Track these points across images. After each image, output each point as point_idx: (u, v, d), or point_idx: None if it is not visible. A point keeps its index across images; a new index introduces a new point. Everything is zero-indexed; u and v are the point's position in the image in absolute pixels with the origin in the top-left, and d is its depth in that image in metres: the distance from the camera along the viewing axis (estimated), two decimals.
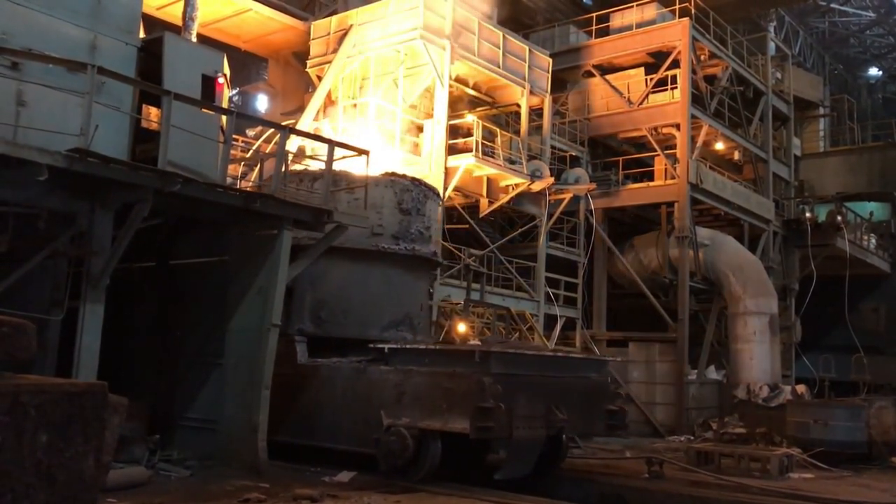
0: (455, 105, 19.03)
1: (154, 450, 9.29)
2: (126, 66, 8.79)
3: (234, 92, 24.96)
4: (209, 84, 9.34)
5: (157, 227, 9.43)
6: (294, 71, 19.88)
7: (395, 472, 9.00)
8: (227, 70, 9.82)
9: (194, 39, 11.83)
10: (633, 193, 21.28)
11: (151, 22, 15.64)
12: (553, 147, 19.56)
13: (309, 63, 18.19)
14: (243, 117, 10.46)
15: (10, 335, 2.02)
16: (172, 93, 8.12)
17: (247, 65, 21.27)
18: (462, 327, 14.96)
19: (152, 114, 9.91)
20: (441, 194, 15.79)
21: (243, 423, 9.21)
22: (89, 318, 8.16)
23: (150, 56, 9.18)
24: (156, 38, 9.41)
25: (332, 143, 9.52)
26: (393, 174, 10.23)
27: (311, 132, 10.16)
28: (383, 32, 16.77)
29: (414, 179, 11.21)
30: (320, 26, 18.28)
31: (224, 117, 9.37)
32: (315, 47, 18.18)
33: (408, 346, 9.62)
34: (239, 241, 9.80)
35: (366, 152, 9.86)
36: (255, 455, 9.00)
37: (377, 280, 10.44)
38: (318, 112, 16.77)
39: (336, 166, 9.87)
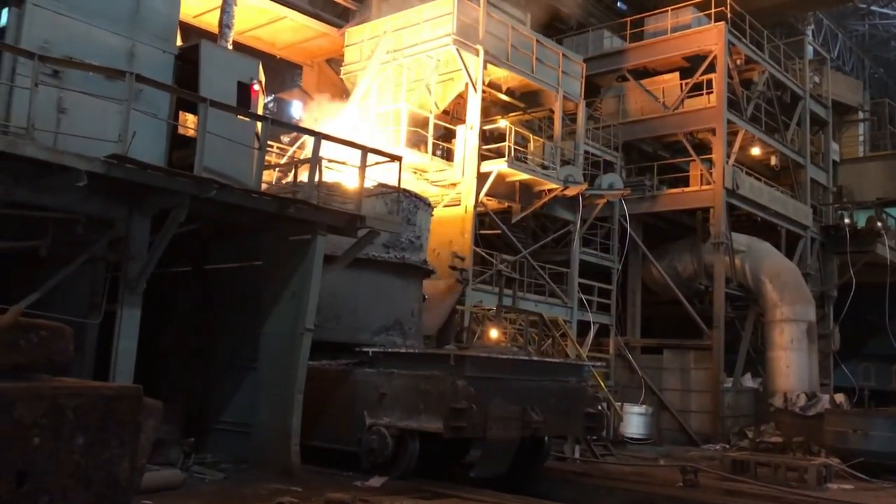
0: (488, 110, 19.03)
1: (189, 453, 9.36)
2: (163, 74, 8.90)
3: (270, 98, 25.19)
4: (244, 91, 9.43)
5: (193, 232, 9.53)
6: (328, 77, 20.02)
7: (375, 469, 9.44)
8: (262, 77, 9.91)
9: (230, 47, 11.94)
10: (668, 199, 21.11)
11: (188, 30, 15.86)
12: (587, 152, 19.45)
13: (343, 69, 18.31)
14: (278, 124, 10.54)
15: (48, 339, 2.05)
16: (208, 100, 8.21)
17: (281, 71, 21.44)
18: (494, 333, 14.95)
19: (189, 120, 10.04)
20: (465, 203, 15.81)
21: (276, 427, 9.25)
22: (126, 322, 8.26)
23: (187, 63, 9.29)
24: (192, 46, 9.53)
25: (364, 150, 9.56)
26: (384, 185, 10.37)
27: (344, 138, 10.20)
28: (417, 39, 16.83)
29: (404, 191, 11.36)
30: (354, 33, 18.39)
31: (259, 123, 9.45)
32: (349, 54, 18.30)
33: (389, 350, 10.12)
34: (273, 246, 9.87)
35: (398, 158, 9.90)
36: (288, 459, 9.04)
37: (368, 287, 10.74)
38: (351, 118, 16.88)
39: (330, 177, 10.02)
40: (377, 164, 9.93)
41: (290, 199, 9.04)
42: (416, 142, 16.76)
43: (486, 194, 16.47)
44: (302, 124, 16.09)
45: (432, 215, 13.49)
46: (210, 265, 10.89)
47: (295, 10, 18.16)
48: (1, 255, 8.75)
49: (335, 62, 19.16)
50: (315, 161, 9.13)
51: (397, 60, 17.13)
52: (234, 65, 9.69)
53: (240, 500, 7.73)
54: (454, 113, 17.76)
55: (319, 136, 9.18)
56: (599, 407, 10.94)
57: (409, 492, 8.77)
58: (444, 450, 9.68)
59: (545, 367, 10.64)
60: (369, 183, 10.10)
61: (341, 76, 18.35)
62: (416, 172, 16.60)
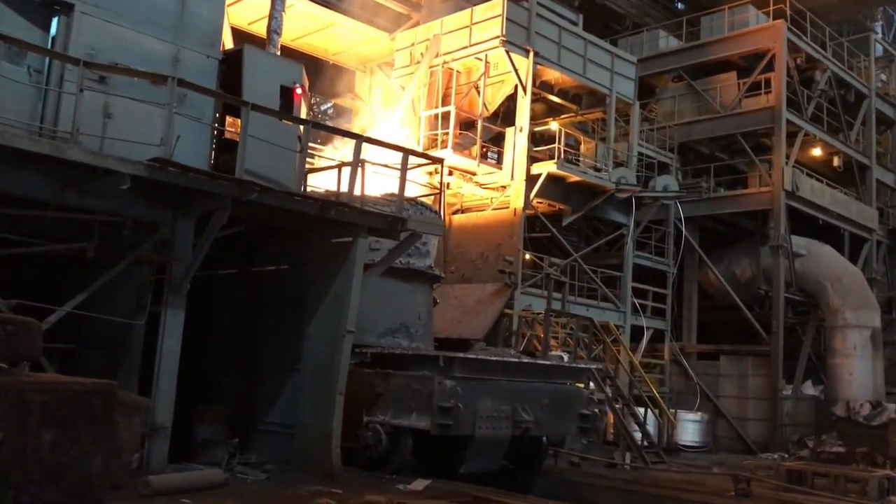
0: (540, 113, 18.89)
1: (234, 453, 9.47)
2: (207, 79, 9.02)
3: (329, 105, 25.49)
4: (288, 94, 9.51)
5: (241, 234, 9.64)
6: (381, 82, 20.13)
7: (371, 464, 9.74)
8: (305, 81, 9.98)
9: (278, 52, 12.07)
10: (726, 201, 20.69)
11: (243, 37, 16.06)
12: (641, 154, 19.13)
13: (394, 74, 18.39)
14: (319, 127, 10.63)
15: (15, 334, 2.05)
16: (250, 103, 8.30)
17: (336, 77, 21.63)
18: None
19: (236, 125, 10.16)
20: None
21: (318, 429, 9.29)
22: (170, 323, 8.38)
23: (231, 68, 9.42)
24: (236, 51, 9.66)
25: (406, 152, 9.55)
26: (390, 195, 10.38)
27: (387, 141, 10.22)
28: (466, 41, 16.81)
29: (411, 199, 11.37)
30: (405, 37, 18.47)
31: (301, 127, 9.51)
32: (400, 58, 18.38)
33: (386, 352, 10.52)
34: (316, 249, 9.92)
35: (440, 161, 9.86)
36: (330, 460, 9.06)
37: (374, 291, 10.79)
38: (401, 122, 16.96)
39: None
40: (418, 166, 9.90)
41: (332, 202, 9.08)
42: (466, 145, 16.73)
43: (537, 197, 16.33)
44: (352, 129, 16.19)
45: (443, 224, 13.52)
46: (257, 268, 11.01)
47: (345, 15, 18.28)
48: (53, 258, 9.01)
49: (388, 67, 19.25)
50: (356, 164, 9.14)
51: (447, 63, 17.15)
52: (278, 69, 9.78)
53: (278, 501, 7.77)
54: (504, 115, 17.66)
55: (360, 139, 9.19)
56: (596, 409, 11.28)
57: (451, 496, 8.69)
58: (446, 448, 9.94)
59: (537, 369, 10.87)
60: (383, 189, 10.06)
61: (392, 80, 18.41)
62: (464, 175, 16.57)
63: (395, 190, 9.69)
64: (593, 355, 15.74)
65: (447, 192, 16.81)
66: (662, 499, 10.74)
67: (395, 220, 9.50)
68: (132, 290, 8.63)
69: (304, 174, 9.47)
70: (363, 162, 9.48)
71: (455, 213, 17.34)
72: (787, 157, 19.82)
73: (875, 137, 23.90)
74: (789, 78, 20.16)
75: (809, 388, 20.12)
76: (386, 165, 10.02)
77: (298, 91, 9.54)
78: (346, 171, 9.45)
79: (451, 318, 15.28)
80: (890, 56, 26.88)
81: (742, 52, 20.75)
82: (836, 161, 22.55)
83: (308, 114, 11.74)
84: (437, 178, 14.68)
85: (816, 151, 22.29)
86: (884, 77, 25.71)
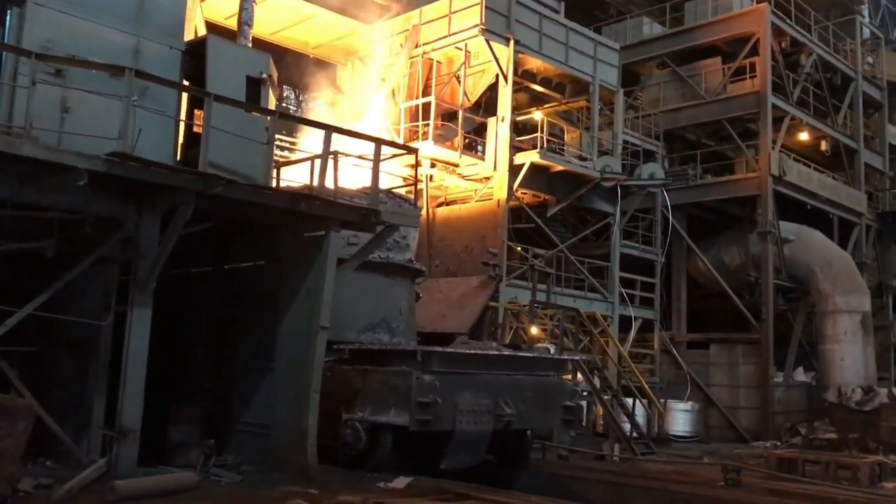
0: (522, 102, 18.66)
1: (209, 454, 9.22)
2: (171, 70, 8.77)
3: (317, 102, 25.24)
4: (254, 85, 9.26)
5: (212, 231, 9.41)
6: (361, 74, 19.86)
7: (350, 462, 9.53)
8: (273, 71, 9.73)
9: (249, 44, 11.81)
10: (713, 188, 20.54)
11: (220, 32, 15.75)
12: (626, 142, 18.92)
13: (373, 65, 18.14)
14: (285, 117, 10.37)
15: None
16: (213, 94, 8.05)
17: (318, 71, 21.34)
18: (533, 329, 14.60)
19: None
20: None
21: (293, 428, 9.06)
22: (137, 323, 8.12)
23: (196, 59, 9.16)
24: (200, 41, 9.40)
25: (378, 142, 9.31)
26: (368, 188, 10.18)
27: (356, 131, 9.98)
28: (445, 31, 16.58)
29: (389, 192, 11.15)
30: (384, 28, 18.22)
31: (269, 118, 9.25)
32: (380, 50, 18.14)
33: (363, 347, 10.32)
34: (290, 244, 9.69)
35: (414, 151, 9.62)
36: (305, 460, 8.83)
37: (353, 286, 10.65)
38: (382, 114, 16.73)
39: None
40: (394, 156, 9.66)
41: (301, 195, 8.83)
42: (448, 136, 16.49)
43: (521, 187, 16.11)
44: (334, 123, 15.96)
45: (419, 216, 13.35)
46: (230, 264, 10.77)
47: (324, 7, 17.99)
48: (20, 258, 8.74)
49: (368, 59, 18.99)
50: (326, 155, 8.90)
51: (427, 53, 16.91)
52: (243, 59, 9.53)
53: (250, 503, 7.54)
54: (486, 105, 17.43)
55: (329, 129, 8.95)
56: (579, 401, 11.13)
57: (432, 493, 8.49)
58: (428, 444, 9.78)
59: (519, 362, 10.67)
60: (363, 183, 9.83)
61: (372, 72, 18.16)
62: (447, 167, 16.34)
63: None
64: (581, 346, 15.54)
65: (431, 184, 16.63)
66: (651, 490, 10.52)
67: (369, 213, 9.25)
68: (98, 290, 8.38)
69: (272, 167, 9.21)
70: (335, 153, 9.25)
71: (439, 205, 17.11)
72: (774, 142, 19.65)
73: (862, 121, 23.72)
74: (774, 62, 19.98)
75: (801, 375, 20.00)
76: (361, 157, 9.78)
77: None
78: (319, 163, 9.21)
79: (435, 312, 15.07)
80: (877, 39, 26.71)
81: (726, 36, 20.56)
82: (823, 145, 22.39)
83: (277, 105, 11.48)
84: (418, 170, 14.49)
85: (803, 136, 22.12)
86: (870, 60, 25.51)
